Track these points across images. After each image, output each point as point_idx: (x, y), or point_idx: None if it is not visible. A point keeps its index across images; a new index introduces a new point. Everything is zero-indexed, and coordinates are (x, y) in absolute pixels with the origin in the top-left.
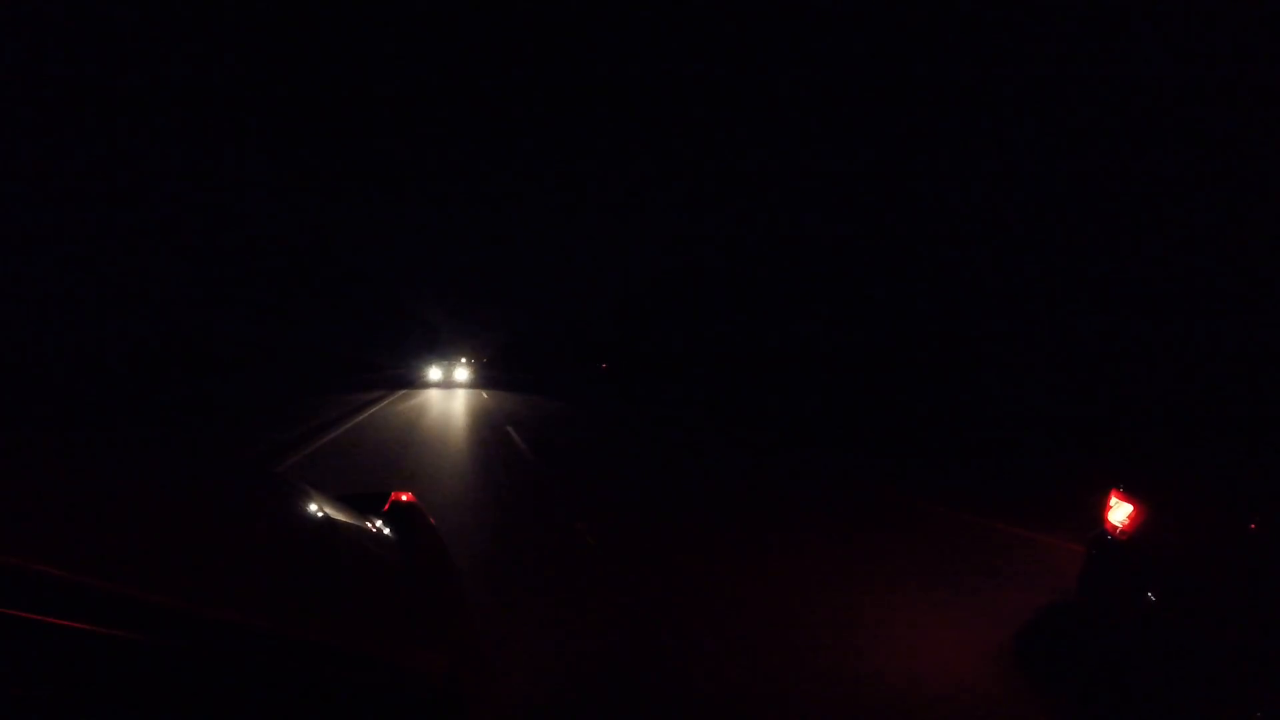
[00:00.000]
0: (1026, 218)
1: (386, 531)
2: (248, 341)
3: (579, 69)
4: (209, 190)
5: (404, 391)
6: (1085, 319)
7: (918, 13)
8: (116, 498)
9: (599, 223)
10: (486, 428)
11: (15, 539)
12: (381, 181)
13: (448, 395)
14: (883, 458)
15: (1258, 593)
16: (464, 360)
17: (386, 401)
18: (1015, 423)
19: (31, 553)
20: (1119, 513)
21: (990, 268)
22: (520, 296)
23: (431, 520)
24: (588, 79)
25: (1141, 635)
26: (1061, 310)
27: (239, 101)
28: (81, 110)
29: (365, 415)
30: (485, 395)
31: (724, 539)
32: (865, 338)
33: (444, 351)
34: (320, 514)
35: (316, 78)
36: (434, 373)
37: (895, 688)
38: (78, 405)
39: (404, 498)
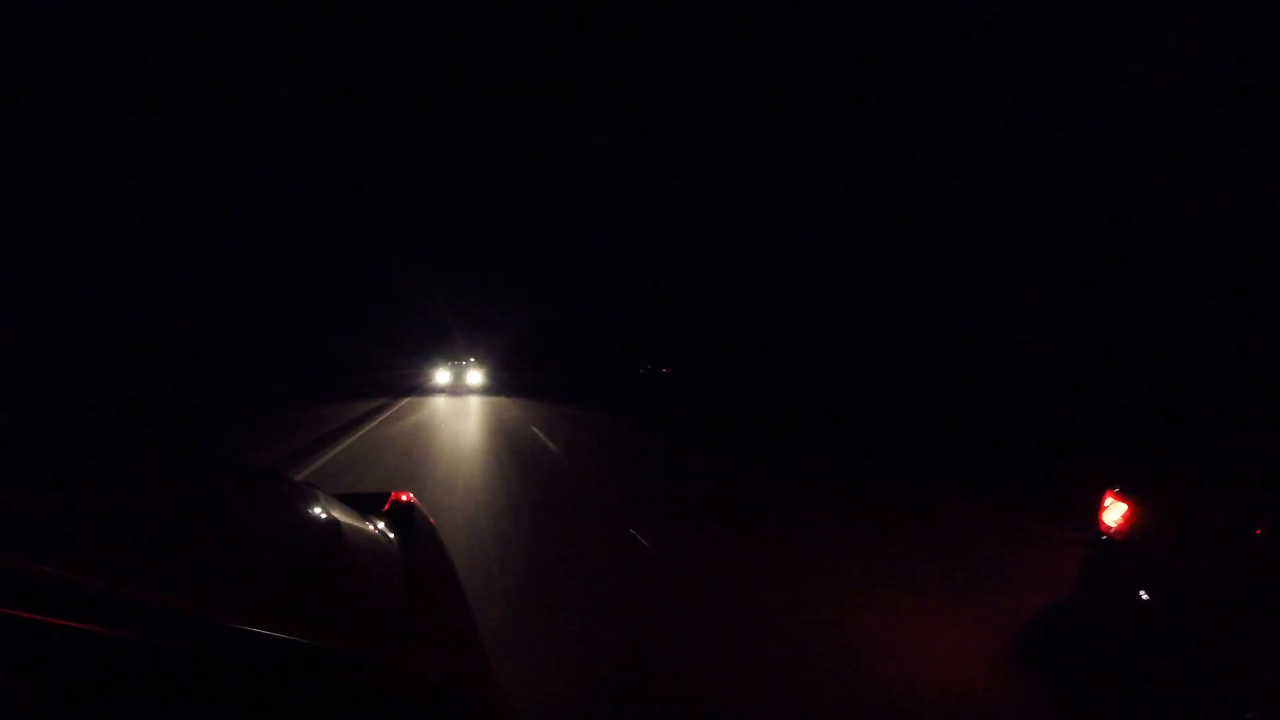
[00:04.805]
0: (1029, 219)
1: (388, 534)
2: (234, 338)
3: (588, 56)
4: (206, 186)
5: (407, 401)
6: (1089, 319)
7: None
8: (117, 496)
9: (609, 213)
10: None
11: (15, 539)
12: (383, 174)
13: (459, 409)
14: (907, 459)
15: (1253, 592)
16: (473, 359)
17: (374, 423)
18: (1026, 423)
19: (31, 553)
20: (1114, 513)
21: (991, 269)
22: (541, 285)
23: (432, 520)
24: (599, 65)
25: (1136, 634)
26: (1065, 311)
27: (237, 96)
28: (78, 110)
29: (333, 452)
30: (516, 409)
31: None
32: (887, 339)
33: (454, 349)
34: (323, 514)
35: (316, 71)
36: (442, 375)
37: (897, 684)
38: (55, 404)
39: (404, 498)
